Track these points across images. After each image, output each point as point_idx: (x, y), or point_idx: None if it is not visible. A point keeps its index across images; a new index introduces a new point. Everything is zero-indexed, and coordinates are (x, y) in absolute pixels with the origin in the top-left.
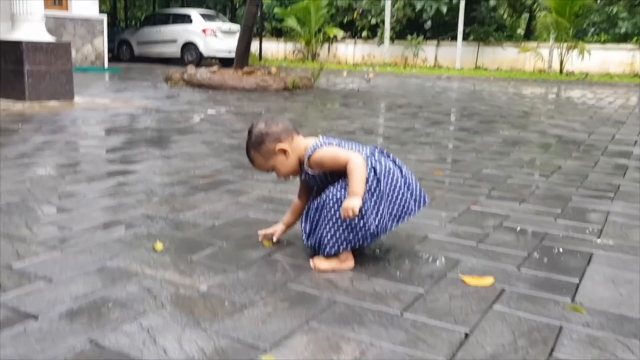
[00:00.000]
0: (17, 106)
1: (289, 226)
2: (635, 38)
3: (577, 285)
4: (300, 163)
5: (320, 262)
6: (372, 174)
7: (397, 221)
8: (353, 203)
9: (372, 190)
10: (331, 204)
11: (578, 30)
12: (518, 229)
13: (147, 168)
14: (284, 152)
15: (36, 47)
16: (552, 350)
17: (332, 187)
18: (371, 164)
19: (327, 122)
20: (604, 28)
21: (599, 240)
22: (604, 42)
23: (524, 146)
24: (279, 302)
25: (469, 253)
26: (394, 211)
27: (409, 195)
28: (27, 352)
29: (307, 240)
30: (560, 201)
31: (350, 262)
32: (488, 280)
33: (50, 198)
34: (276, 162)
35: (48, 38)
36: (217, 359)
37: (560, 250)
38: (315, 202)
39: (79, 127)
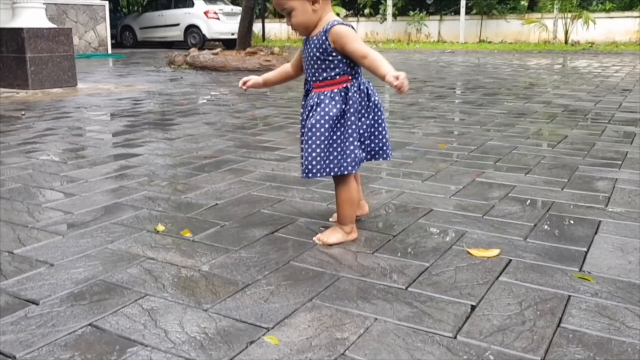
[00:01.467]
0: (21, 94)
1: (266, 84)
2: None
3: (585, 254)
4: (312, 28)
5: (325, 237)
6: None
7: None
8: (399, 73)
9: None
10: (322, 123)
11: None
12: (525, 199)
13: (150, 151)
14: (313, 2)
15: (37, 33)
16: (560, 320)
17: (322, 105)
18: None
19: None
20: None
21: (606, 208)
22: (609, 10)
23: (529, 117)
24: (282, 280)
25: (475, 225)
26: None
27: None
28: (28, 337)
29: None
30: (567, 170)
31: (354, 234)
32: (494, 252)
33: (53, 183)
34: (298, 5)
35: (49, 24)
36: (219, 340)
37: (568, 219)
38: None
39: (82, 112)
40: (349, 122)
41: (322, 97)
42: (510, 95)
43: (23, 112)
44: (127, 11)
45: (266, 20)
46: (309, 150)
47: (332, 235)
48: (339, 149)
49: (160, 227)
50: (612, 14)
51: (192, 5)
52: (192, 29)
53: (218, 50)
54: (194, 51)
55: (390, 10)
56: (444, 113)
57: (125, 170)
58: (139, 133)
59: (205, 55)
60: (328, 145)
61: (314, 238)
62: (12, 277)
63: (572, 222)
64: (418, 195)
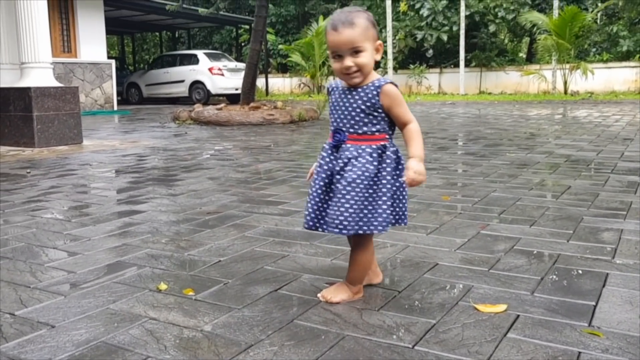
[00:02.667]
0: (27, 152)
1: None
2: (637, 55)
3: (594, 308)
4: (367, 75)
5: (330, 294)
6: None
7: (392, 223)
8: (422, 168)
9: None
10: (349, 179)
11: (580, 50)
12: (530, 252)
13: (153, 207)
14: (378, 51)
15: (44, 92)
16: None
17: (360, 159)
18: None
19: None
20: (606, 47)
21: (613, 260)
22: (607, 61)
23: (532, 168)
24: (286, 340)
25: (481, 279)
26: (395, 210)
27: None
28: None
29: (313, 215)
30: (572, 222)
31: (360, 294)
32: (501, 307)
33: (56, 242)
34: (369, 47)
35: (56, 83)
36: None
37: (575, 272)
38: (331, 171)
39: (87, 169)
40: (384, 181)
41: (360, 151)
42: (512, 146)
43: (28, 170)
44: (133, 69)
45: (269, 75)
46: (346, 205)
47: (338, 294)
48: (370, 207)
49: (163, 286)
50: (610, 64)
51: (197, 62)
52: (196, 85)
53: (222, 105)
54: (198, 107)
55: (391, 64)
56: (446, 164)
57: (129, 228)
58: (143, 189)
59: (210, 111)
60: (363, 203)
61: (319, 295)
62: (13, 340)
63: (579, 274)
64: (423, 249)
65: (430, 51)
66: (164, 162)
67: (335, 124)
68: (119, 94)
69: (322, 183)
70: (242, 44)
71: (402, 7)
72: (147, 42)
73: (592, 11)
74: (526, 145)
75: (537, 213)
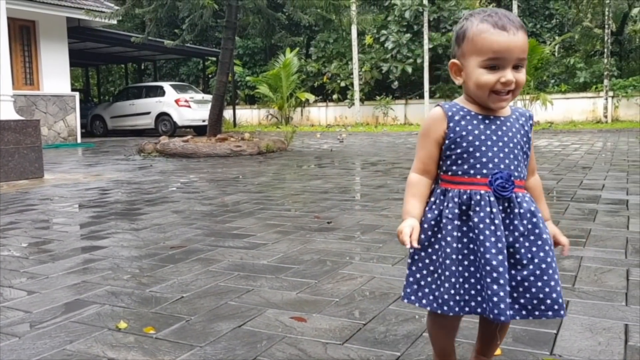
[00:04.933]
0: None
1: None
2: (593, 87)
3: (555, 336)
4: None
5: None
6: None
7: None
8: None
9: None
10: (548, 240)
11: (539, 82)
12: None
13: (115, 242)
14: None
15: (4, 126)
16: None
17: (536, 211)
18: None
19: (302, 183)
20: (564, 79)
21: (574, 288)
22: (565, 92)
23: None
24: None
25: None
26: None
27: None
28: None
29: (511, 305)
30: None
31: None
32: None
33: (12, 281)
34: (525, 69)
35: (16, 117)
36: None
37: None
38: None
39: (48, 204)
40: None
41: (534, 203)
42: None
43: None
44: (98, 101)
45: (237, 107)
46: (556, 276)
47: None
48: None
49: (123, 325)
50: (568, 95)
51: (163, 94)
52: (163, 116)
53: (189, 137)
54: (164, 139)
55: (357, 95)
56: None
57: (89, 264)
58: (105, 224)
59: (176, 143)
60: None
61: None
62: None
63: None
64: (388, 279)
65: (396, 83)
66: (127, 195)
67: (489, 165)
68: (83, 126)
69: (501, 254)
70: (210, 76)
71: (368, 40)
72: (112, 74)
73: (550, 44)
74: None
75: None
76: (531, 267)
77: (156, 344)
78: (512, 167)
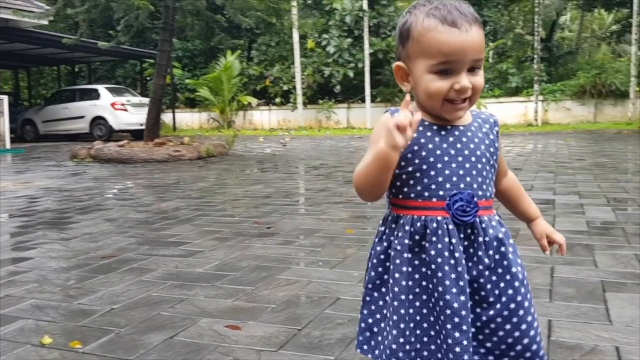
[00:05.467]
0: None
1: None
2: (525, 91)
3: None
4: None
5: None
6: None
7: None
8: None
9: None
10: (519, 275)
11: None
12: None
13: (42, 253)
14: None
15: None
16: None
17: (511, 239)
18: None
19: (243, 188)
20: (497, 84)
21: None
22: (498, 96)
23: None
24: None
25: None
26: None
27: None
28: None
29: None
30: None
31: None
32: None
33: None
34: (482, 70)
35: None
36: None
37: None
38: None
39: None
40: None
41: (503, 226)
42: None
43: None
44: (28, 104)
45: (177, 110)
46: (530, 317)
47: None
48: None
49: (47, 340)
50: (501, 99)
51: (98, 97)
52: (98, 121)
53: (125, 141)
54: (98, 144)
55: (300, 99)
56: (352, 198)
57: (13, 277)
58: (33, 234)
59: (111, 148)
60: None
61: None
62: None
63: None
64: (326, 284)
65: (338, 87)
66: (58, 203)
67: (447, 185)
68: (12, 131)
69: (463, 293)
70: (148, 79)
71: (310, 44)
72: (44, 76)
73: None
74: None
75: None
76: (498, 306)
77: (82, 359)
78: (475, 186)
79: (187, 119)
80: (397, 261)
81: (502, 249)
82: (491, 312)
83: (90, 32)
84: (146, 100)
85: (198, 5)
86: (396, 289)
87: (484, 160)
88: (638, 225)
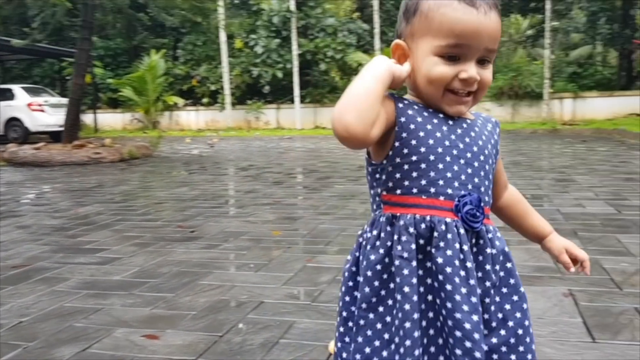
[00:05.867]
0: None
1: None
2: None
3: None
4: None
5: None
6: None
7: None
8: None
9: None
10: (525, 296)
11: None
12: None
13: None
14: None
15: None
16: None
17: (510, 253)
18: None
19: (167, 191)
20: None
21: None
22: None
23: (358, 198)
24: None
25: (303, 314)
26: None
27: None
28: None
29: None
30: None
31: None
32: (332, 345)
33: None
34: (491, 65)
35: None
36: None
37: None
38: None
39: None
40: None
41: (505, 241)
42: (342, 178)
43: None
44: None
45: (99, 111)
46: (534, 346)
47: None
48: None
49: None
50: None
51: (12, 97)
52: (13, 122)
53: (41, 144)
54: (12, 146)
55: (229, 99)
56: (280, 199)
57: None
58: None
59: (26, 150)
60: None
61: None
62: None
63: None
64: (249, 287)
65: (267, 87)
66: None
67: (455, 183)
68: None
69: (476, 312)
70: (67, 78)
71: (238, 43)
72: None
73: None
74: (354, 176)
75: None
76: (503, 332)
77: None
78: (482, 189)
79: (110, 120)
80: (405, 272)
81: (509, 265)
82: (495, 340)
83: (2, 29)
84: (65, 100)
85: (119, 3)
86: (407, 307)
87: (490, 161)
88: (552, 221)
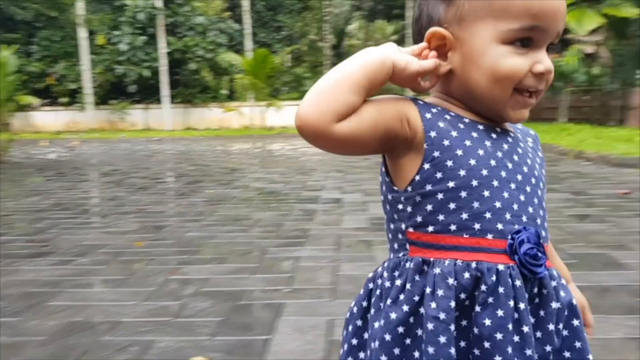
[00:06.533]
0: None
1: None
2: None
3: (269, 342)
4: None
5: None
6: None
7: None
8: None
9: None
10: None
11: (273, 89)
12: (217, 292)
13: None
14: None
15: None
16: None
17: (577, 307)
18: None
19: (16, 201)
20: (294, 86)
21: (289, 289)
22: (296, 98)
23: (228, 203)
24: None
25: (164, 331)
26: None
27: None
28: None
29: None
30: (258, 254)
31: None
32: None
33: None
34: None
35: None
36: None
37: (255, 307)
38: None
39: None
40: None
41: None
42: (212, 182)
43: None
44: None
45: None
46: None
47: None
48: None
49: None
50: (299, 101)
51: None
52: None
53: None
54: None
55: (90, 99)
56: (144, 206)
57: None
58: None
59: None
60: None
61: None
62: None
63: (259, 309)
64: (105, 307)
65: (134, 86)
66: None
67: (509, 214)
68: None
69: None
70: None
71: (100, 40)
72: None
73: (280, 54)
74: (225, 180)
75: (227, 250)
76: None
77: None
78: (538, 221)
79: None
80: (442, 340)
81: (575, 322)
82: None
83: None
84: None
85: None
86: None
87: (541, 185)
88: None
